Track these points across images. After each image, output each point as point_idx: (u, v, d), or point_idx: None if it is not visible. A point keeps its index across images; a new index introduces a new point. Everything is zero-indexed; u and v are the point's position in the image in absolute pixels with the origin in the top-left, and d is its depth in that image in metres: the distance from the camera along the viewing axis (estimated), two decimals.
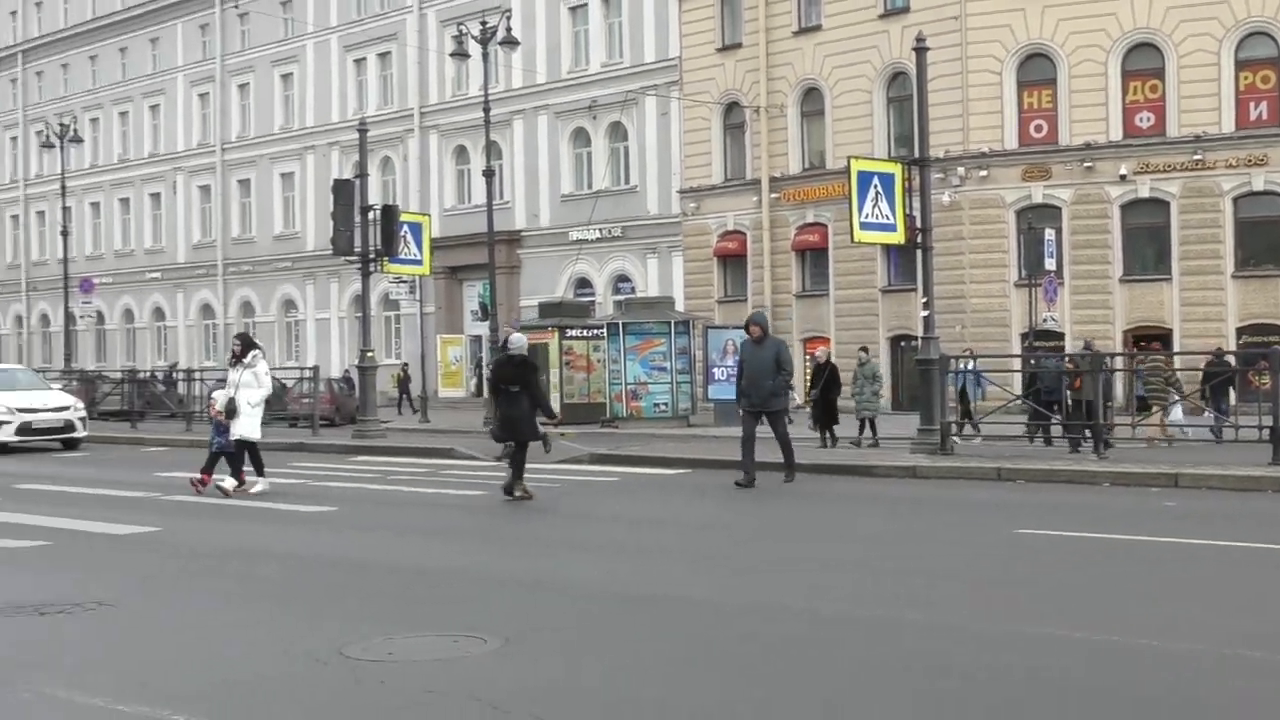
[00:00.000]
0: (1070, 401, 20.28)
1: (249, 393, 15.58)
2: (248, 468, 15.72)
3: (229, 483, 15.28)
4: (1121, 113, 32.72)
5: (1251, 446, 16.73)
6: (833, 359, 24.87)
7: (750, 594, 8.57)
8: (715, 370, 30.37)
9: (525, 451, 14.65)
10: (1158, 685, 6.07)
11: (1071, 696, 5.86)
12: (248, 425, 15.53)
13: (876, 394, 24.14)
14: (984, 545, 10.72)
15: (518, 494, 14.33)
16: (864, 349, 26.39)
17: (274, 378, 31.75)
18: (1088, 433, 18.57)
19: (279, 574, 9.78)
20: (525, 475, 14.56)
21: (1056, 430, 20.36)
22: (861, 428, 23.36)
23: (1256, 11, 31.61)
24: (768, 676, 6.33)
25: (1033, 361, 23.61)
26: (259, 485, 15.52)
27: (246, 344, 16.22)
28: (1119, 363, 26.45)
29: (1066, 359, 21.75)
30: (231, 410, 15.47)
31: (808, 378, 27.82)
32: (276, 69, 53.15)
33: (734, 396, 16.19)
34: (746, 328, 16.11)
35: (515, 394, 14.84)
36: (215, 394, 16.76)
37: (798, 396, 29.33)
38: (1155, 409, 21.71)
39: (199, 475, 15.64)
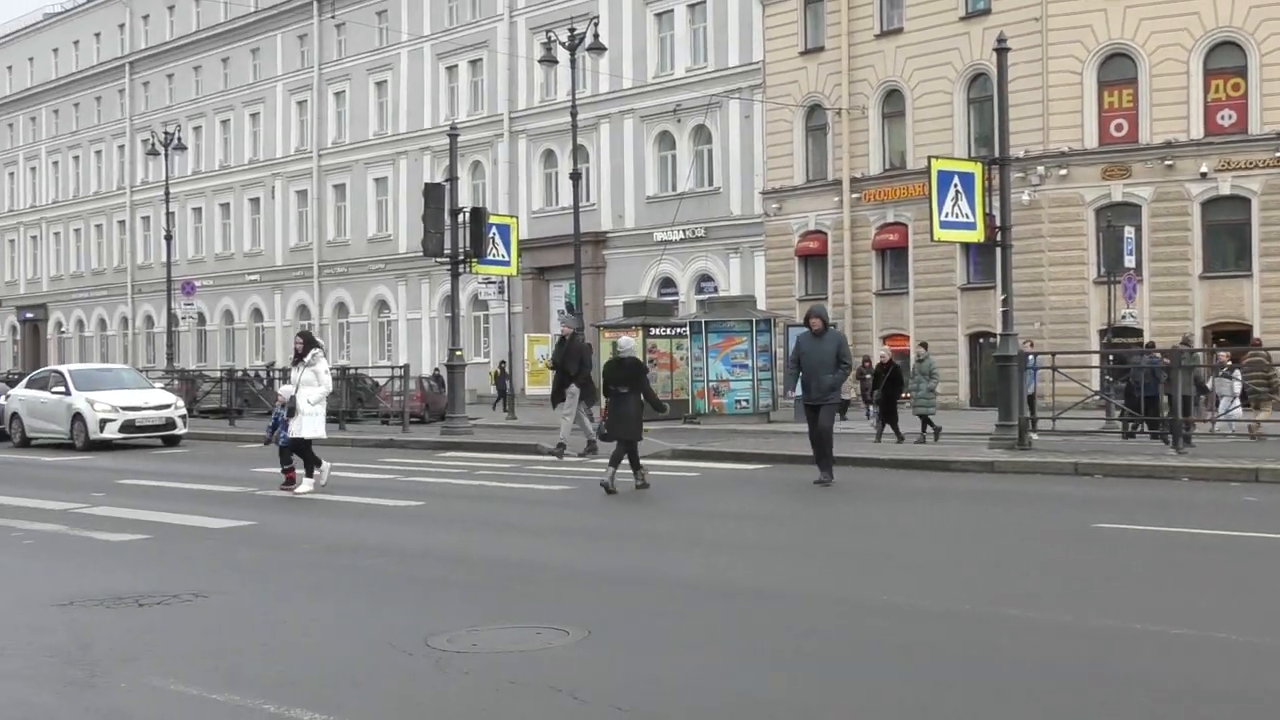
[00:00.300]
0: (1166, 397, 20.12)
1: (309, 391, 15.58)
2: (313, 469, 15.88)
3: (305, 485, 15.48)
4: (1203, 111, 32.43)
5: None
6: (902, 358, 24.75)
7: (834, 588, 8.69)
8: None
9: (633, 448, 15.08)
10: (1236, 681, 6.10)
11: (1139, 690, 5.94)
12: (310, 425, 15.55)
13: (932, 390, 24.06)
14: (1063, 539, 10.80)
15: (606, 482, 14.60)
16: (923, 345, 26.35)
17: (368, 376, 33.01)
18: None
19: (368, 566, 9.97)
20: (613, 470, 14.76)
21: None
22: (924, 425, 23.41)
23: None
24: (852, 673, 6.41)
25: (1111, 359, 23.47)
26: (304, 485, 15.56)
27: (309, 342, 16.16)
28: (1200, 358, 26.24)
29: (1161, 355, 21.61)
30: (292, 408, 15.53)
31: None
32: (371, 77, 54.02)
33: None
34: (806, 321, 15.96)
35: (625, 395, 15.21)
36: (282, 389, 16.73)
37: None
38: (1258, 406, 21.62)
39: (282, 474, 15.87)
